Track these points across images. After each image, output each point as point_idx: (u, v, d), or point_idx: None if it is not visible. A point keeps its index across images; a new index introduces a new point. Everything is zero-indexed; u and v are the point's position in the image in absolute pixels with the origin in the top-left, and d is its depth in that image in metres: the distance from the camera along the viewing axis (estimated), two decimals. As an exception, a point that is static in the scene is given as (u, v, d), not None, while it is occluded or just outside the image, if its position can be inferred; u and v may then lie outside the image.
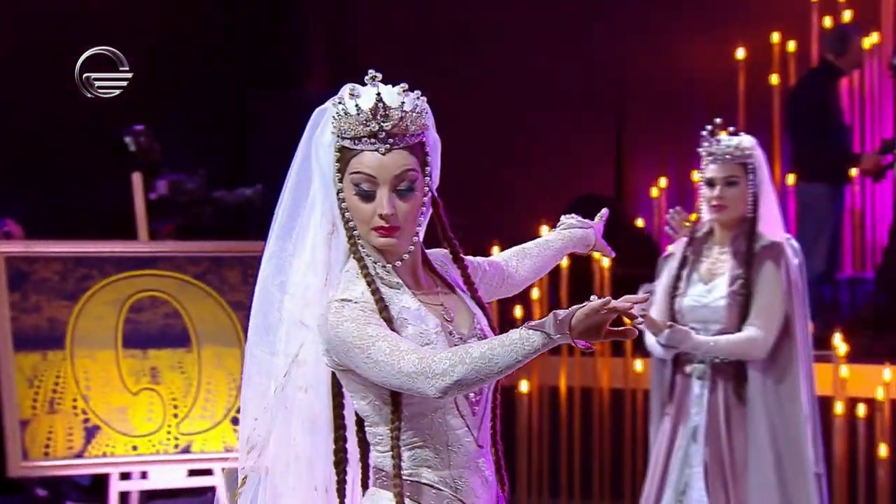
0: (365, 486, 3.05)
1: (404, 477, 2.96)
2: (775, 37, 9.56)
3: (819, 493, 5.13)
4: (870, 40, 9.37)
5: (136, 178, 7.03)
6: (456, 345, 2.96)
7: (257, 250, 7.14)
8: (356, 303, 2.92)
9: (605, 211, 3.57)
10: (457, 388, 2.82)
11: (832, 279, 9.02)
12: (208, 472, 6.74)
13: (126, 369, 6.60)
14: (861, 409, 7.02)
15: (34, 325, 6.51)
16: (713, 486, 5.09)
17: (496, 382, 3.01)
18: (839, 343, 7.11)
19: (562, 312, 2.79)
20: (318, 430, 3.04)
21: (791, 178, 9.15)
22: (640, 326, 2.92)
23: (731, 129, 5.25)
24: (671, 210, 5.42)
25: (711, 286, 5.20)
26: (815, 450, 5.15)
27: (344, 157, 2.96)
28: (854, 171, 9.09)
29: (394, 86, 2.96)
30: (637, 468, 7.68)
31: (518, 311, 7.88)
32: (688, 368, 5.20)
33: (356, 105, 2.93)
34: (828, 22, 9.49)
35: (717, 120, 5.25)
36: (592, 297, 2.80)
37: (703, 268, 5.25)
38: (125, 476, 6.63)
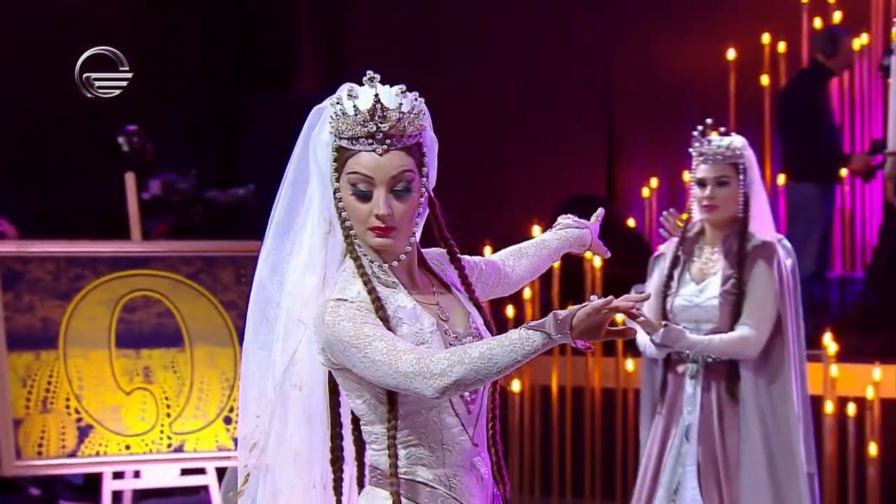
0: (361, 485, 3.05)
1: (400, 475, 2.96)
2: (766, 37, 9.58)
3: (811, 492, 5.15)
4: (860, 41, 9.40)
5: (129, 178, 7.03)
6: (451, 344, 2.97)
7: (250, 250, 7.20)
8: (352, 302, 2.92)
9: (601, 211, 3.57)
10: (455, 389, 2.83)
11: (822, 279, 9.04)
12: (201, 472, 6.75)
13: (119, 369, 6.61)
14: (851, 409, 7.03)
15: (27, 324, 6.51)
16: (706, 486, 5.10)
17: (495, 382, 3.02)
18: (829, 342, 7.13)
19: (562, 313, 2.80)
20: (314, 428, 3.05)
21: (781, 179, 9.18)
22: (636, 325, 2.93)
23: (722, 129, 5.26)
24: (665, 212, 5.43)
25: (703, 286, 5.21)
26: (807, 450, 5.16)
27: (341, 156, 2.97)
28: (844, 172, 9.12)
29: (390, 86, 2.97)
30: (628, 467, 7.70)
31: (510, 311, 7.90)
32: (680, 368, 5.21)
33: (354, 106, 2.93)
34: (818, 23, 9.52)
35: (708, 120, 5.26)
36: (592, 297, 2.81)
37: (695, 268, 5.27)
38: (118, 475, 6.63)
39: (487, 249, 7.04)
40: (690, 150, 5.25)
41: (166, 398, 6.65)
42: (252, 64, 10.28)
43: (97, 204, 8.63)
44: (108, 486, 6.55)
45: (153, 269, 6.74)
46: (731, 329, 5.11)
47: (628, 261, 7.58)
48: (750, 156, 5.23)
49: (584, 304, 2.80)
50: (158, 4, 9.76)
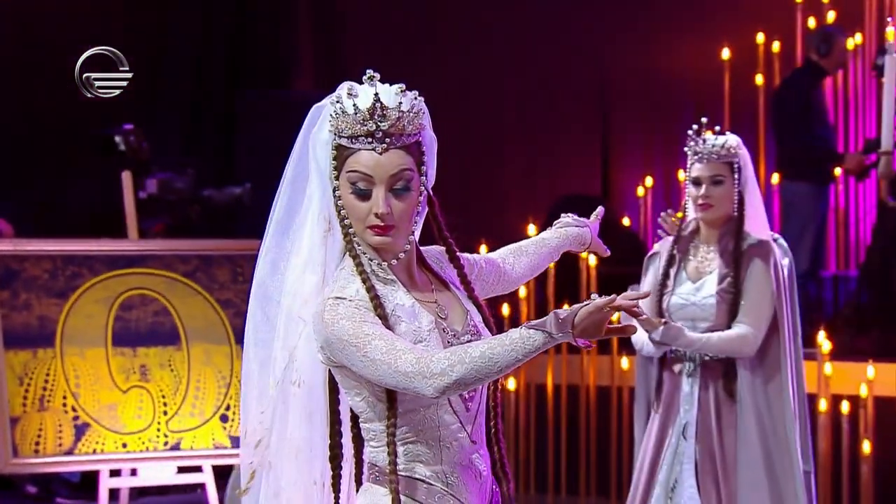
0: (359, 482, 3.05)
1: (398, 472, 2.97)
2: (760, 37, 9.60)
3: (808, 490, 5.16)
4: (854, 41, 9.42)
5: (126, 177, 7.05)
6: (450, 342, 2.98)
7: (247, 249, 7.21)
8: (351, 300, 2.92)
9: (600, 209, 3.58)
10: (455, 388, 2.84)
11: (816, 277, 9.07)
12: (197, 469, 6.77)
13: (116, 367, 6.62)
14: (845, 407, 7.05)
15: (24, 322, 6.53)
16: (704, 483, 5.10)
17: (495, 381, 3.03)
18: (823, 341, 7.14)
19: (563, 311, 2.81)
20: (315, 426, 3.06)
21: (776, 178, 9.20)
22: (635, 322, 2.94)
23: (717, 128, 5.27)
24: (663, 213, 5.44)
25: (699, 284, 5.22)
26: (803, 447, 5.17)
27: (341, 155, 2.97)
28: (838, 171, 9.14)
29: (390, 85, 2.97)
30: (623, 465, 7.72)
31: (505, 309, 7.91)
32: (677, 366, 5.21)
33: (354, 104, 2.94)
34: (812, 22, 9.54)
35: (703, 119, 5.27)
36: (594, 296, 2.82)
37: (691, 266, 5.28)
38: (115, 473, 6.64)
39: (483, 248, 7.05)
40: (685, 149, 5.26)
41: (163, 396, 6.66)
42: (251, 63, 10.28)
43: (94, 203, 8.65)
44: (105, 483, 6.56)
45: (150, 267, 6.75)
46: (728, 327, 5.12)
47: (623, 259, 7.59)
48: (744, 155, 5.24)
49: (585, 303, 2.81)
50: (158, 4, 9.77)
